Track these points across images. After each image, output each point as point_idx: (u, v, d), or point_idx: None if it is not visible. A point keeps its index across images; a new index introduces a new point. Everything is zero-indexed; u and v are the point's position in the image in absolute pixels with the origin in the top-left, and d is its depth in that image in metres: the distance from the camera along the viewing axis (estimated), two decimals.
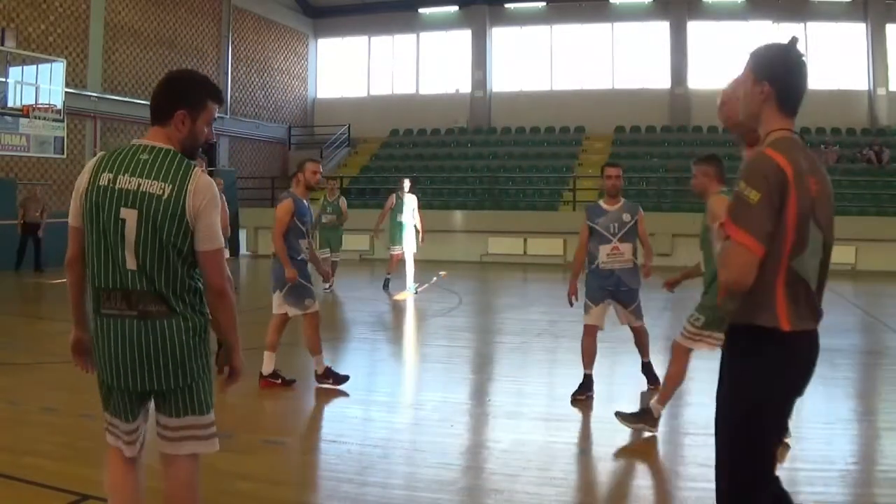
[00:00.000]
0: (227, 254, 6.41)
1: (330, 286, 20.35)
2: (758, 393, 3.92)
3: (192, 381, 4.41)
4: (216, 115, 4.62)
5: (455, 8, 42.38)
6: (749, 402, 3.96)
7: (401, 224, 21.21)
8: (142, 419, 4.60)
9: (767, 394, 3.92)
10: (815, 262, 3.92)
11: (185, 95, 4.46)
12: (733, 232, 3.73)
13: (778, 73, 4.01)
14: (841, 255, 27.23)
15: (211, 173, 32.48)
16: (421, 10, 42.75)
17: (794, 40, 4.05)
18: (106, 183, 4.32)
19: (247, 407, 9.20)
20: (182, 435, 4.48)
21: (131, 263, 4.29)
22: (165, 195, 4.25)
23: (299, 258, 10.13)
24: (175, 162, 4.35)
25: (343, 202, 21.30)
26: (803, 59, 4.04)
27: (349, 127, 42.15)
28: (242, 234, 34.14)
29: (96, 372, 4.57)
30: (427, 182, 36.36)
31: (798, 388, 4.04)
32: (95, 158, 4.55)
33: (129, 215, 4.27)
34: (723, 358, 4.12)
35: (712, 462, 7.13)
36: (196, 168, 4.39)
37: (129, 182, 4.29)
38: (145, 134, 4.55)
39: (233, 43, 38.44)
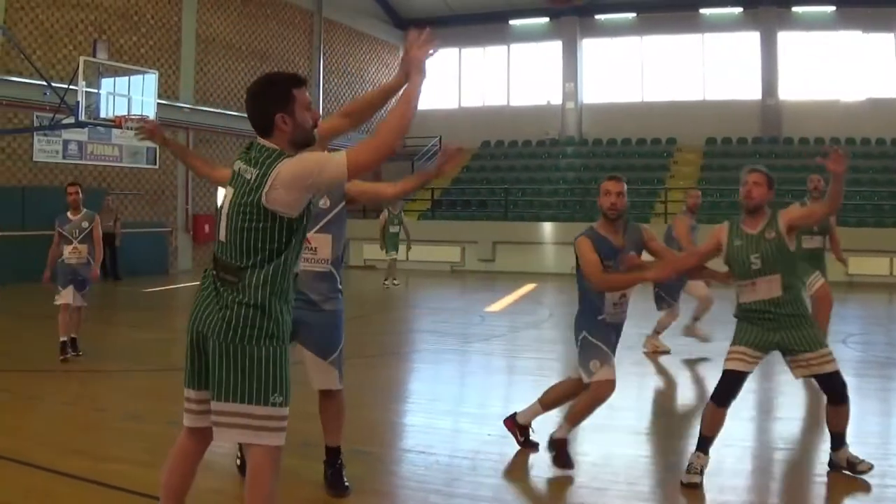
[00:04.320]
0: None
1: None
2: None
3: (236, 353, 4.55)
4: (309, 97, 4.87)
5: (546, 19, 42.41)
6: None
7: None
8: (206, 394, 4.76)
9: None
10: None
11: (272, 99, 4.73)
12: None
13: None
14: None
15: None
16: (511, 22, 42.82)
17: None
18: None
19: None
20: (219, 420, 4.63)
21: (223, 235, 4.71)
22: (252, 178, 4.59)
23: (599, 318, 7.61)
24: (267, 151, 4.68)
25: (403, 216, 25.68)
26: None
27: (440, 139, 42.30)
28: None
29: None
30: (518, 193, 36.41)
31: None
32: None
33: (228, 192, 4.76)
34: None
35: (806, 478, 7.10)
36: (285, 156, 4.64)
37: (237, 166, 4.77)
38: (236, 145, 4.88)
39: (324, 55, 38.89)
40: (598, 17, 41.77)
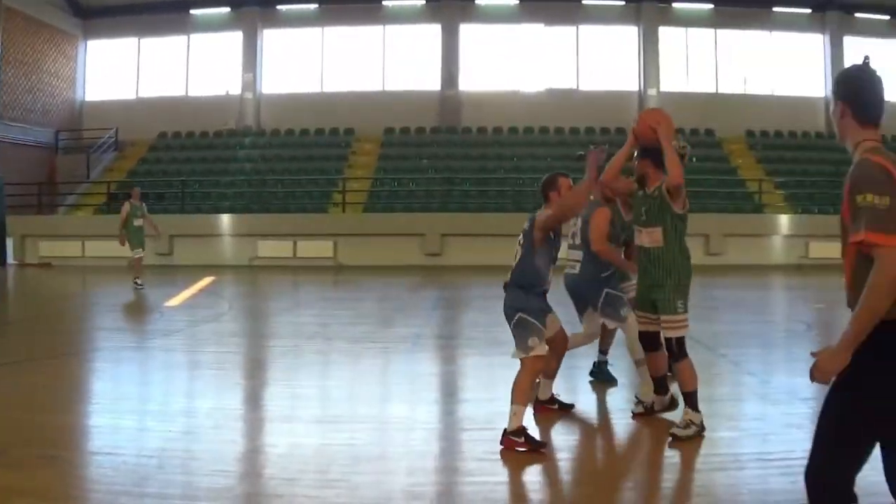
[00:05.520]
0: None
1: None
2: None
3: None
4: None
5: (227, 10, 42.09)
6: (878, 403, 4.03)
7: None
8: None
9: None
10: None
11: None
12: (883, 239, 3.82)
13: (849, 91, 4.27)
14: None
15: None
16: (192, 12, 42.19)
17: (866, 59, 4.31)
18: None
19: (19, 420, 9.04)
20: None
21: None
22: None
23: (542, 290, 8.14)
24: None
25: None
26: (876, 74, 4.25)
27: (116, 130, 41.25)
28: (10, 243, 32.95)
29: None
30: (195, 186, 36.00)
31: None
32: None
33: None
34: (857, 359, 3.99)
35: (490, 457, 7.53)
36: None
37: None
38: None
39: (2, 44, 36.98)
40: (279, 7, 41.98)
